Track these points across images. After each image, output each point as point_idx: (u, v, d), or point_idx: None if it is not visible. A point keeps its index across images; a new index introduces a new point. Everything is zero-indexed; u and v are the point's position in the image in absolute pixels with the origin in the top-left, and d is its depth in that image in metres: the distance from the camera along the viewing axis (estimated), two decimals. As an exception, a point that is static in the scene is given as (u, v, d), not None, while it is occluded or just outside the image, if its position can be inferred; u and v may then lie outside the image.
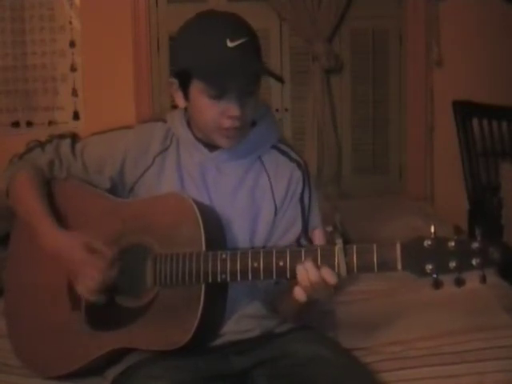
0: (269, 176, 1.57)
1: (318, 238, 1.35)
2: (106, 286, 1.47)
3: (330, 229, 1.31)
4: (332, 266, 1.31)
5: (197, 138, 1.56)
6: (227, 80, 1.43)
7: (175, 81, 1.51)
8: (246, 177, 1.56)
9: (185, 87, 1.49)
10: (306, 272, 1.32)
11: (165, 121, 1.62)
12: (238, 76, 1.44)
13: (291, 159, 1.59)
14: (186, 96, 1.50)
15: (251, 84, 1.47)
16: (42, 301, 1.59)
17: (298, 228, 1.56)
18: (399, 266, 1.27)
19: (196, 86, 1.46)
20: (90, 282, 1.46)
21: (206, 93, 1.45)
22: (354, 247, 1.31)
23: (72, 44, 3.53)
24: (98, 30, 3.48)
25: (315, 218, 1.59)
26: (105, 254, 1.47)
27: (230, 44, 1.41)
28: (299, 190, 1.57)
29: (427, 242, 1.25)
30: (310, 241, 1.38)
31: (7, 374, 1.63)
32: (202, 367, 1.48)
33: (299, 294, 1.35)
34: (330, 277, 1.31)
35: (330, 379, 1.44)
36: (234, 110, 1.44)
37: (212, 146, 1.55)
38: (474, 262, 1.22)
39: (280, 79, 1.53)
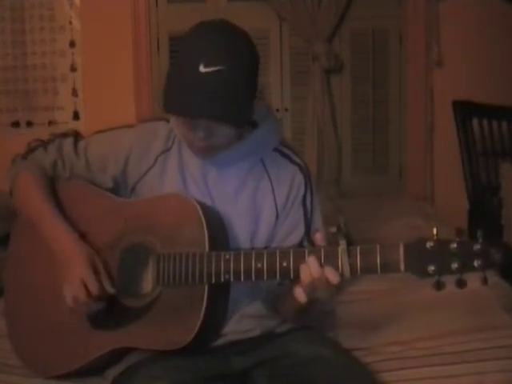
0: (270, 179, 1.57)
1: (320, 239, 1.35)
2: (86, 311, 1.48)
3: (333, 230, 1.31)
4: (335, 267, 1.31)
5: (199, 139, 1.56)
6: (188, 104, 1.37)
7: None
8: (247, 179, 1.56)
9: None
10: (309, 268, 1.32)
11: (167, 120, 1.62)
12: (200, 103, 1.36)
13: (293, 162, 1.59)
14: None
15: (214, 115, 1.37)
16: (42, 300, 1.59)
17: (300, 231, 1.56)
18: (402, 268, 1.28)
19: None
20: (73, 300, 1.46)
21: None
22: (358, 248, 1.31)
23: (72, 44, 3.53)
24: (98, 30, 3.48)
25: (317, 221, 1.59)
26: (103, 284, 1.47)
27: (202, 69, 1.34)
28: (301, 194, 1.57)
29: (429, 244, 1.26)
30: (312, 243, 1.39)
31: (7, 374, 1.63)
32: (202, 367, 1.48)
33: (300, 294, 1.36)
34: (332, 276, 1.31)
35: (331, 379, 1.44)
36: (197, 131, 1.42)
37: None
38: (475, 263, 1.23)
39: (244, 124, 1.45)
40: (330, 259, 1.32)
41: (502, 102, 3.28)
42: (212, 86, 1.35)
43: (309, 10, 3.38)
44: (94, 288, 1.45)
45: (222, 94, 1.36)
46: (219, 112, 1.37)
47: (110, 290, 1.47)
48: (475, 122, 3.25)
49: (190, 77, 1.36)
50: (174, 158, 1.57)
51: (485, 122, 3.27)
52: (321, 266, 1.32)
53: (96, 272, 1.47)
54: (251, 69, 1.42)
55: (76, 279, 1.45)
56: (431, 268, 1.25)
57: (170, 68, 1.46)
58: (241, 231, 1.53)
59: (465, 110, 3.22)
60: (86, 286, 1.45)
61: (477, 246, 1.23)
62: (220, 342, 1.52)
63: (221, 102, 1.36)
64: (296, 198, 1.57)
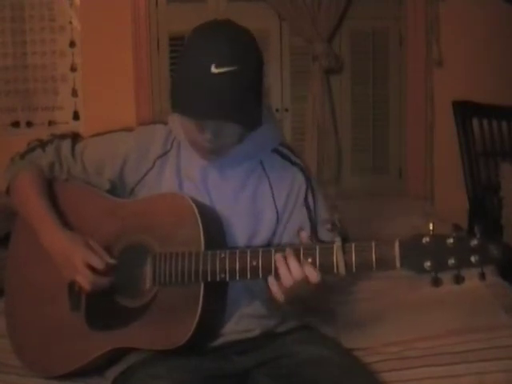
0: (269, 180, 1.57)
1: (304, 238, 1.36)
2: (100, 288, 1.48)
3: (328, 227, 1.31)
4: (331, 265, 1.31)
5: (199, 141, 1.56)
6: (200, 105, 1.36)
7: None
8: (247, 181, 1.56)
9: None
10: (288, 269, 1.32)
11: (165, 123, 1.61)
12: (212, 104, 1.35)
13: (292, 163, 1.59)
14: None
15: (227, 116, 1.37)
16: (42, 300, 1.59)
17: (306, 231, 1.55)
18: (398, 264, 1.27)
19: None
20: (86, 282, 1.47)
21: None
22: (353, 245, 1.31)
23: (72, 44, 3.53)
24: (97, 30, 3.48)
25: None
26: (104, 258, 1.48)
27: (214, 70, 1.33)
28: (302, 194, 1.57)
29: (425, 240, 1.25)
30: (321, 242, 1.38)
31: (7, 373, 1.63)
32: (203, 367, 1.48)
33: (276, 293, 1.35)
34: (312, 275, 1.31)
35: (331, 379, 1.44)
36: (206, 133, 1.42)
37: None
38: (472, 259, 1.22)
39: (252, 126, 1.42)
40: (325, 257, 1.31)
41: (501, 102, 3.28)
42: (224, 86, 1.34)
43: (309, 10, 3.38)
44: (98, 263, 1.46)
45: (235, 95, 1.35)
46: (232, 113, 1.36)
47: (112, 261, 1.48)
48: (475, 122, 3.25)
49: (201, 77, 1.35)
50: (172, 161, 1.57)
51: (485, 122, 3.26)
52: (300, 264, 1.32)
53: (93, 251, 1.48)
54: (260, 69, 1.42)
55: (79, 263, 1.47)
56: (427, 264, 1.23)
57: (178, 68, 1.43)
58: (240, 233, 1.53)
59: (465, 110, 3.22)
60: (90, 265, 1.46)
61: (474, 242, 1.21)
62: (220, 341, 1.52)
63: (233, 103, 1.35)
64: (297, 200, 1.57)
